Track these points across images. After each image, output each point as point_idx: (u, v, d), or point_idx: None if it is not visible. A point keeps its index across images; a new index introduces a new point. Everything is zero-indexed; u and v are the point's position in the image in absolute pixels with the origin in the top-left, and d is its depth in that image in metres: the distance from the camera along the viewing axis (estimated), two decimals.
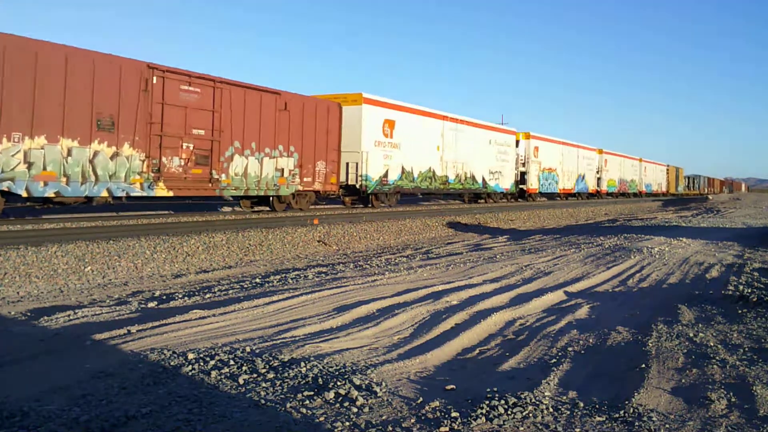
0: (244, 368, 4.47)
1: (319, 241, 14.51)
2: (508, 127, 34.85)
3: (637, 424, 3.73)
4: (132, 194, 14.14)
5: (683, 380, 4.63)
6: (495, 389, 4.22)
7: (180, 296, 7.71)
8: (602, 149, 49.87)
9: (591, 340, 5.75)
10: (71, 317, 6.23)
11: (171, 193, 15.05)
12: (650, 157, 68.38)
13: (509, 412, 3.80)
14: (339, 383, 4.18)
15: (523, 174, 36.10)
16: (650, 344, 5.55)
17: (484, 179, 30.63)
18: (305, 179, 19.24)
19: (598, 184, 49.03)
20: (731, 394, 4.31)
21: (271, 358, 4.69)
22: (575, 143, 44.61)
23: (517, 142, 35.44)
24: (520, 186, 35.87)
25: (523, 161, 36.08)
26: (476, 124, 30.26)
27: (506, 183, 33.30)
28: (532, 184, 36.70)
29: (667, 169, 73.66)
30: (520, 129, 38.84)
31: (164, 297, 7.79)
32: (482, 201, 31.89)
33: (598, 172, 48.73)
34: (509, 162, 33.83)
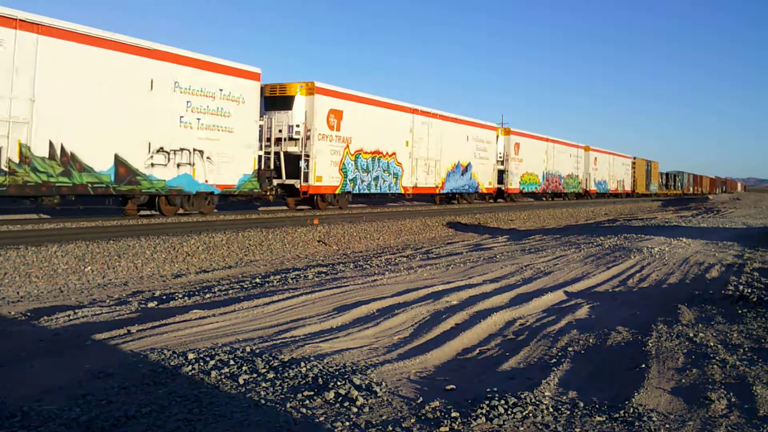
0: (244, 368, 4.47)
1: (319, 241, 14.51)
2: (248, 67, 18.00)
3: (637, 424, 3.73)
4: None
5: (683, 380, 4.63)
6: (495, 389, 4.22)
7: (180, 296, 7.71)
8: (509, 128, 34.61)
9: (591, 340, 5.75)
10: (71, 317, 6.24)
11: None
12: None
13: (509, 412, 3.80)
14: (339, 383, 4.18)
15: (295, 159, 20.11)
16: (650, 344, 5.54)
17: (124, 166, 14.40)
18: None
19: (502, 180, 34.10)
20: (731, 394, 4.31)
21: (271, 358, 4.69)
22: (445, 114, 28.38)
23: (280, 99, 20.20)
24: (288, 181, 20.20)
25: (296, 135, 19.97)
26: (101, 39, 13.92)
27: (230, 174, 17.19)
28: (322, 177, 20.69)
29: (634, 163, 58.88)
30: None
31: (164, 297, 7.79)
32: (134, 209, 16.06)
33: (501, 162, 34.27)
34: (238, 134, 17.32)
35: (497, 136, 33.94)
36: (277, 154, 19.72)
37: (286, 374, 4.36)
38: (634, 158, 59.37)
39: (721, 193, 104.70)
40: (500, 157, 34.08)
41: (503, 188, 34.46)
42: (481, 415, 3.75)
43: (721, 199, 65.17)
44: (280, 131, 19.87)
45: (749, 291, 8.05)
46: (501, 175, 34.18)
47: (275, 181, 19.88)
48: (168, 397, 3.88)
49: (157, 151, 15.26)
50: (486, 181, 32.39)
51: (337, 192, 21.72)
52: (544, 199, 40.64)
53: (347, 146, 21.87)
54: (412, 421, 3.67)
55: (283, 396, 3.97)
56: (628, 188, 57.12)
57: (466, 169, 30.26)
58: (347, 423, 3.58)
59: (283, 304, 6.88)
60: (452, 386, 4.37)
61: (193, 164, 16.18)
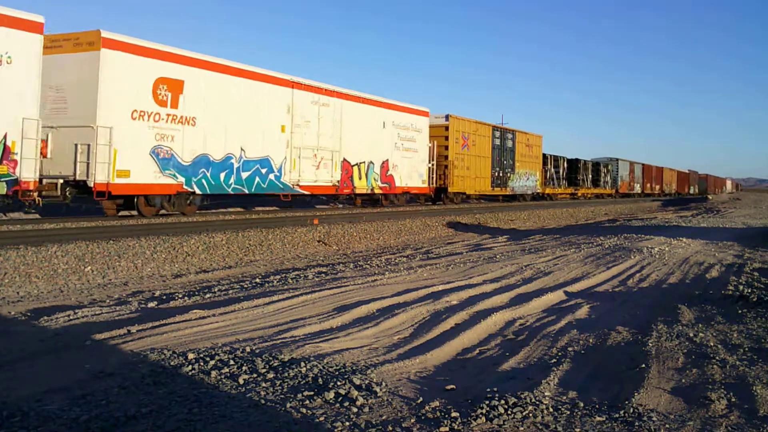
0: (244, 368, 4.47)
1: (319, 241, 14.51)
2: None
3: (637, 424, 3.73)
4: None
5: (683, 380, 4.63)
6: (495, 389, 4.22)
7: (180, 296, 7.71)
8: None
9: (591, 340, 5.75)
10: (71, 317, 6.23)
11: None
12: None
13: (509, 412, 3.79)
14: (339, 383, 4.18)
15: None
16: (650, 344, 5.54)
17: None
18: None
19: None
20: (731, 394, 4.31)
21: (271, 358, 4.69)
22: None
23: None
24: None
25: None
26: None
27: (415, 180, 27.34)
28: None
29: (446, 127, 29.32)
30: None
31: (164, 297, 7.79)
32: None
33: None
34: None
35: None
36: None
37: (286, 374, 4.36)
38: (447, 117, 29.49)
39: (686, 193, 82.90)
40: None
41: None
42: (481, 415, 3.75)
43: (720, 199, 64.90)
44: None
45: (749, 291, 8.04)
46: None
47: None
48: (168, 397, 3.88)
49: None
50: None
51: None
52: None
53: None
54: (412, 421, 3.67)
55: (283, 396, 3.97)
56: (414, 183, 26.89)
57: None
58: (347, 423, 3.58)
59: (283, 304, 6.88)
60: (452, 386, 4.37)
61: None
